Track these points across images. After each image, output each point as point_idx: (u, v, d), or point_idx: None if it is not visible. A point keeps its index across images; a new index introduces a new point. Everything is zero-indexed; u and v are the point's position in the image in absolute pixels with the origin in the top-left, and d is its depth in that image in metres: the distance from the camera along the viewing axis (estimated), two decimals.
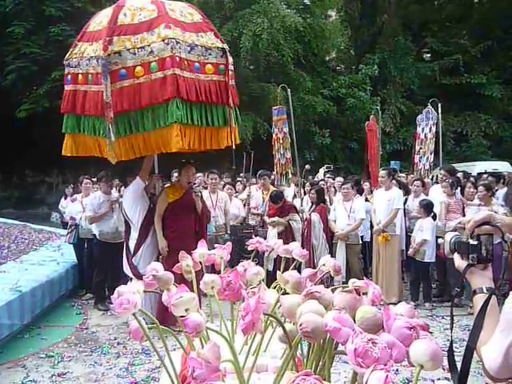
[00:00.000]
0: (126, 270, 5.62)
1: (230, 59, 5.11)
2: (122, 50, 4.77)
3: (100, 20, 5.19)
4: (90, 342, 5.28)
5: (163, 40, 4.72)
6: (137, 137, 4.94)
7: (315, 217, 7.07)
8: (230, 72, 5.05)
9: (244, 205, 8.44)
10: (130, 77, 4.78)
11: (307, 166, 8.12)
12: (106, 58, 4.72)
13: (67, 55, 5.33)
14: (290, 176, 8.77)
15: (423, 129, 8.86)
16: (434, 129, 8.69)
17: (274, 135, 8.90)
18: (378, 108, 10.32)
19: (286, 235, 6.63)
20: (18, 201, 17.32)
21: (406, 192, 7.69)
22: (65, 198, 10.00)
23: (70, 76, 5.28)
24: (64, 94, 5.41)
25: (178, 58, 4.71)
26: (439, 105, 8.88)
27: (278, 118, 8.80)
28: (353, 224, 6.93)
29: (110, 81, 4.72)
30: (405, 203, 7.45)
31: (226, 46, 5.14)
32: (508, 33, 22.30)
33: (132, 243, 5.62)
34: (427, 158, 8.62)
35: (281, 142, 8.90)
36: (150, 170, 5.93)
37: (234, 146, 5.18)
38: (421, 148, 8.82)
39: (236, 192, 9.09)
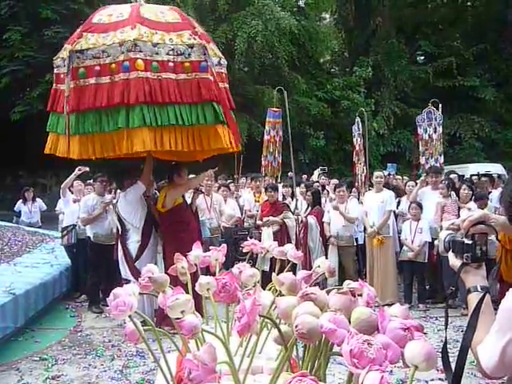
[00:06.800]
0: (126, 273, 5.57)
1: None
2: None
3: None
4: (84, 344, 5.25)
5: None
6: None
7: (312, 220, 7.08)
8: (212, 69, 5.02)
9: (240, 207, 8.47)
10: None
11: (290, 174, 8.22)
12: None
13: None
14: (279, 180, 8.79)
15: (426, 129, 8.82)
16: (439, 129, 8.67)
17: (267, 137, 8.90)
18: (364, 110, 10.33)
19: (282, 234, 6.66)
20: (12, 203, 17.22)
21: (398, 194, 7.75)
22: (23, 203, 9.77)
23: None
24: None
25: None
26: (440, 105, 8.88)
27: (276, 120, 8.81)
28: (349, 225, 6.96)
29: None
30: (398, 205, 7.50)
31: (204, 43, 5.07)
32: (501, 36, 22.46)
33: (133, 246, 5.60)
34: (436, 159, 8.58)
35: (276, 145, 8.91)
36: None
37: (233, 144, 5.16)
38: (426, 149, 8.78)
39: (232, 193, 9.09)
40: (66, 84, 4.85)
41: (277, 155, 8.73)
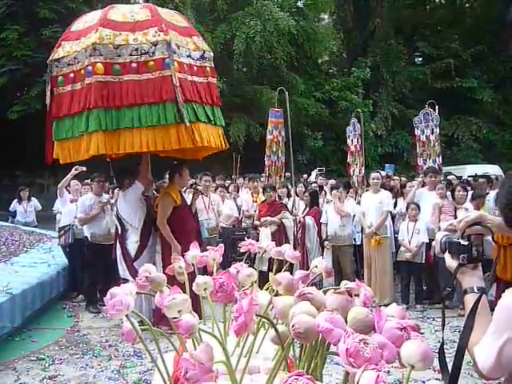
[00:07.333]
0: (124, 273, 5.56)
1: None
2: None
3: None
4: (81, 344, 5.25)
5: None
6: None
7: (310, 220, 7.10)
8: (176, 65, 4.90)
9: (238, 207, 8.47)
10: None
11: (287, 174, 8.22)
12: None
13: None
14: (283, 180, 8.80)
15: (423, 131, 8.83)
16: (436, 130, 8.68)
17: (270, 136, 8.89)
18: (360, 110, 10.36)
19: (279, 235, 6.66)
20: (9, 202, 17.19)
21: (395, 195, 7.78)
22: (18, 202, 9.73)
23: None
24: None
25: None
26: (436, 107, 8.90)
27: (278, 120, 8.82)
28: (346, 224, 6.97)
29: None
30: (395, 206, 7.51)
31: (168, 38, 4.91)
32: (499, 37, 22.52)
33: (132, 246, 5.60)
34: (434, 160, 8.57)
35: (280, 144, 8.92)
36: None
37: (194, 144, 4.94)
38: (424, 150, 8.79)
39: (229, 193, 9.10)
40: (46, 93, 5.09)
41: (280, 155, 8.74)
